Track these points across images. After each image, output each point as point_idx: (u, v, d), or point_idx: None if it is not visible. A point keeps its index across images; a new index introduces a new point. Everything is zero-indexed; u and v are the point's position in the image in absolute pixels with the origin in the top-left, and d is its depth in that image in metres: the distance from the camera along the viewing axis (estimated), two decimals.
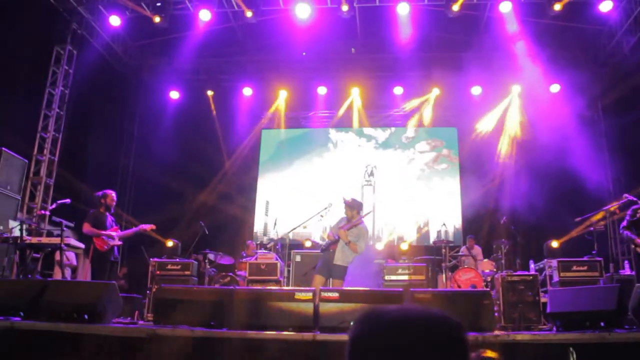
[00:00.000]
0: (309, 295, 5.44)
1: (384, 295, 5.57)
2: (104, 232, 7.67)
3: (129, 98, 14.26)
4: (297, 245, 11.83)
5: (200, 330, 5.06)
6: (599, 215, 8.83)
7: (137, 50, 13.63)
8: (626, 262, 10.32)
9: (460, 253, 11.08)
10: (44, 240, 7.10)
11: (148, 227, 8.56)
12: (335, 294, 5.46)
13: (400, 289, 5.59)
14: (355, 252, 7.20)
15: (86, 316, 5.41)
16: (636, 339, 4.70)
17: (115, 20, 11.39)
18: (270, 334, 4.99)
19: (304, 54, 13.56)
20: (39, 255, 8.80)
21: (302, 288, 5.71)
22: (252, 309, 5.38)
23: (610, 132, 12.54)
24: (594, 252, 8.55)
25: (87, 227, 7.51)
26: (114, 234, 7.69)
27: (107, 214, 8.13)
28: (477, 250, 11.07)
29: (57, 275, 8.78)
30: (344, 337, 4.90)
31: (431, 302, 5.50)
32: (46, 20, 10.85)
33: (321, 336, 4.92)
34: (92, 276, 7.47)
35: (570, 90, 12.37)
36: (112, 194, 8.26)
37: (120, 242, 7.94)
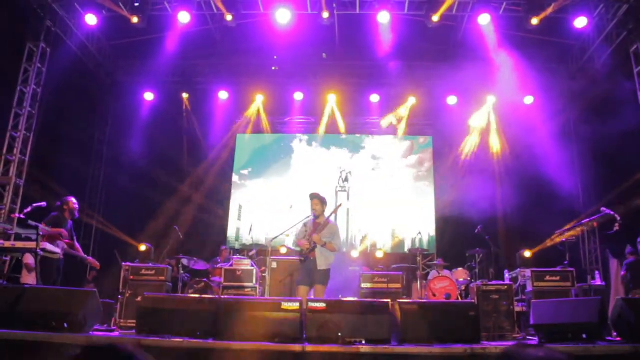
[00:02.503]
0: (296, 306, 5.39)
1: (371, 306, 5.55)
2: (54, 230, 7.48)
3: (102, 98, 13.98)
4: (272, 251, 11.76)
5: (187, 340, 4.97)
6: (578, 230, 9.01)
7: (113, 50, 13.36)
8: (597, 272, 10.59)
9: (437, 261, 11.13)
10: (19, 244, 6.86)
11: (93, 262, 8.53)
12: (322, 305, 5.43)
13: (387, 300, 5.59)
14: (335, 251, 7.21)
15: (65, 325, 5.26)
16: (620, 352, 4.80)
17: (91, 19, 11.12)
18: (257, 344, 4.93)
19: (275, 57, 13.49)
20: (7, 259, 8.56)
21: (288, 298, 5.66)
22: (239, 319, 5.31)
23: (582, 143, 12.85)
24: (565, 262, 8.71)
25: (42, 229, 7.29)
26: (58, 250, 7.45)
27: (70, 220, 7.95)
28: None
29: (25, 278, 8.54)
30: (332, 348, 4.91)
31: (418, 314, 5.52)
32: (19, 16, 10.55)
33: (310, 347, 4.89)
34: (41, 281, 7.28)
35: (544, 101, 12.67)
36: (72, 199, 8.12)
37: (61, 256, 7.70)
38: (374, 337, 5.20)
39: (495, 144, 13.27)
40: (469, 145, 13.41)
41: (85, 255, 8.56)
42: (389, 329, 5.32)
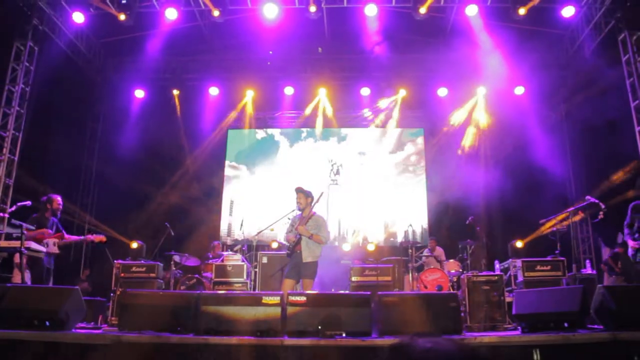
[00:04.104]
0: (277, 300, 5.39)
1: (351, 298, 5.55)
2: (38, 231, 7.49)
3: (92, 96, 13.96)
4: (263, 246, 11.78)
5: (166, 335, 4.98)
6: (562, 217, 9.02)
7: (102, 48, 13.34)
8: (587, 261, 10.61)
9: (424, 254, 11.17)
10: (3, 243, 6.88)
11: (96, 237, 8.36)
12: (303, 298, 5.43)
13: (368, 292, 5.59)
14: (322, 243, 7.15)
15: (48, 323, 5.27)
16: (599, 339, 4.80)
17: (78, 17, 11.10)
18: (238, 339, 4.93)
19: (270, 52, 13.49)
20: None
21: (269, 292, 5.66)
22: (219, 314, 5.31)
23: (572, 134, 12.87)
24: (557, 252, 8.72)
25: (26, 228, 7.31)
26: (43, 249, 7.44)
27: (52, 218, 7.95)
28: (439, 251, 11.16)
29: (17, 278, 8.54)
30: (312, 341, 4.91)
31: (398, 305, 5.53)
32: (5, 15, 10.52)
33: (289, 341, 4.89)
34: (32, 281, 7.31)
35: (535, 92, 12.65)
36: (58, 198, 8.11)
37: (57, 251, 7.72)
38: (354, 329, 5.20)
39: (486, 136, 13.26)
40: (460, 136, 13.40)
41: (83, 236, 8.54)
42: (370, 321, 5.32)
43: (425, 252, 11.26)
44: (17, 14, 10.79)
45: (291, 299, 5.41)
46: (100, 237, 8.37)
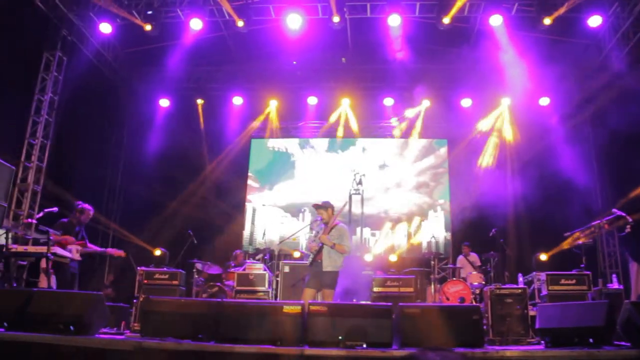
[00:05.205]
0: (298, 309, 5.38)
1: (373, 309, 5.52)
2: (62, 237, 7.60)
3: (118, 105, 14.17)
4: (285, 255, 11.80)
5: (188, 343, 5.00)
6: (589, 230, 8.88)
7: (127, 58, 13.55)
8: (614, 275, 10.38)
9: (451, 265, 11.07)
10: (30, 249, 7.00)
11: (116, 252, 8.47)
12: (324, 308, 5.42)
13: (390, 304, 5.55)
14: (344, 253, 7.11)
15: (72, 327, 5.33)
16: (625, 356, 4.69)
17: (106, 28, 11.32)
18: (259, 348, 4.93)
19: (294, 62, 13.56)
20: (25, 263, 8.70)
21: (290, 301, 5.66)
22: (241, 322, 5.32)
23: (598, 145, 12.65)
24: (582, 265, 8.58)
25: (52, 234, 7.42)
26: (68, 255, 7.55)
27: (78, 226, 8.06)
28: (474, 257, 11.07)
29: (43, 283, 8.67)
30: (333, 351, 4.89)
31: (420, 317, 5.47)
32: (36, 26, 10.75)
33: (309, 351, 4.88)
34: (57, 286, 7.40)
35: (560, 103, 12.50)
36: (91, 211, 8.22)
37: (79, 258, 7.83)
38: (375, 340, 5.17)
39: (511, 147, 13.13)
40: (484, 147, 13.30)
41: (104, 249, 8.67)
42: (391, 332, 5.28)
43: (459, 259, 11.17)
44: (47, 26, 11.05)
45: (312, 308, 5.40)
46: (120, 252, 8.48)
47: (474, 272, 10.34)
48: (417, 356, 1.41)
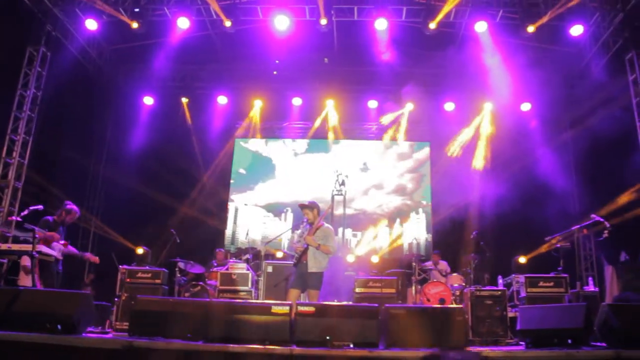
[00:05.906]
0: (286, 309, 5.45)
1: (359, 310, 5.61)
2: (48, 234, 7.56)
3: (102, 102, 14.02)
4: (268, 255, 11.83)
5: (177, 342, 5.04)
6: (568, 234, 9.07)
7: (113, 55, 13.47)
8: (590, 278, 10.63)
9: (428, 268, 11.21)
10: (15, 247, 6.95)
11: (91, 257, 8.50)
12: (312, 308, 5.49)
13: (376, 305, 5.65)
14: (329, 253, 7.15)
15: (59, 326, 5.33)
16: (602, 356, 4.85)
17: (91, 24, 11.24)
18: (247, 347, 4.99)
19: (277, 61, 13.57)
20: (5, 261, 8.62)
21: (278, 302, 5.72)
22: (229, 322, 5.38)
23: (577, 150, 12.91)
24: (559, 268, 8.76)
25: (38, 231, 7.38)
26: (53, 253, 7.53)
27: (62, 226, 8.02)
28: (443, 265, 11.19)
29: (22, 280, 8.60)
30: (320, 351, 4.97)
31: (405, 318, 5.59)
32: (19, 20, 10.65)
33: (298, 350, 4.95)
34: (42, 285, 7.36)
35: (541, 108, 12.75)
36: (77, 214, 8.17)
37: (59, 257, 7.80)
38: (362, 340, 5.26)
39: (492, 150, 13.33)
40: (466, 150, 13.48)
41: (82, 252, 8.65)
42: (377, 333, 5.38)
43: (429, 266, 11.30)
44: (31, 20, 10.93)
45: (300, 309, 5.47)
46: (95, 259, 8.50)
47: (454, 274, 10.48)
48: (439, 355, 1.49)
